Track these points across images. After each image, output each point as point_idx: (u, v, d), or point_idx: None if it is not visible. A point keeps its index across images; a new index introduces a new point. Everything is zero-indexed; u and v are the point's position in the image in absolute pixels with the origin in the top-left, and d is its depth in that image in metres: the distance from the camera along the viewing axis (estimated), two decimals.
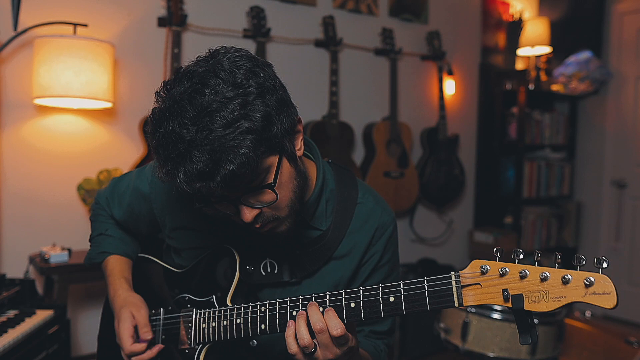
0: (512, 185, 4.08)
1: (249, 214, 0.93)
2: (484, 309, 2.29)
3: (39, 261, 2.23)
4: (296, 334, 0.92)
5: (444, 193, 3.73)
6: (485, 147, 4.16)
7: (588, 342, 2.32)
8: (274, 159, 0.92)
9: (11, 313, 1.75)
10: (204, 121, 0.83)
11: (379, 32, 3.48)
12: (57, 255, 2.20)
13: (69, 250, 2.29)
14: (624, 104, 4.22)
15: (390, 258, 1.20)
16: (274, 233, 1.01)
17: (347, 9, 3.36)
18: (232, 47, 0.93)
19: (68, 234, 2.51)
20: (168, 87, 0.91)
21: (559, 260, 0.79)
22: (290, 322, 0.95)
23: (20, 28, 2.22)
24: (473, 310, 2.29)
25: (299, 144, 0.99)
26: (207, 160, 0.82)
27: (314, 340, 0.92)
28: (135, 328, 1.15)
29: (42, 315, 1.76)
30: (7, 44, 2.26)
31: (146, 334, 1.13)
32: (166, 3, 2.64)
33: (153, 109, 0.91)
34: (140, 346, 1.12)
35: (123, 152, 2.64)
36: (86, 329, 2.59)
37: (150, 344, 1.15)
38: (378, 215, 1.17)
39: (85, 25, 2.34)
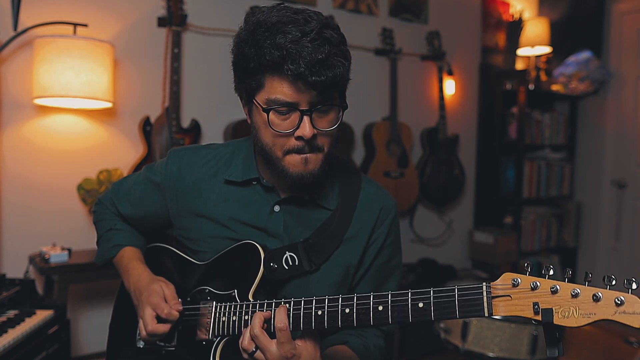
0: (512, 185, 4.08)
1: (308, 129, 1.03)
2: None
3: (39, 261, 2.23)
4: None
5: (444, 193, 3.73)
6: (485, 147, 4.16)
7: (588, 342, 2.32)
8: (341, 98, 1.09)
9: (11, 313, 1.75)
10: (335, 38, 1.03)
11: (379, 32, 3.48)
12: (57, 255, 2.21)
13: (69, 250, 2.29)
14: (624, 104, 4.22)
15: (393, 241, 1.25)
16: (305, 170, 1.08)
17: (347, 9, 3.36)
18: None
19: (68, 234, 2.51)
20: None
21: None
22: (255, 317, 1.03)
23: (20, 28, 2.22)
24: None
25: None
26: (326, 56, 0.98)
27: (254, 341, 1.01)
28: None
29: (42, 315, 1.76)
30: (7, 44, 2.26)
31: (177, 305, 1.14)
32: (166, 3, 2.64)
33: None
34: (179, 308, 1.14)
35: (123, 152, 2.65)
36: (86, 329, 2.59)
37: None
38: (382, 198, 1.24)
39: (85, 25, 2.34)
